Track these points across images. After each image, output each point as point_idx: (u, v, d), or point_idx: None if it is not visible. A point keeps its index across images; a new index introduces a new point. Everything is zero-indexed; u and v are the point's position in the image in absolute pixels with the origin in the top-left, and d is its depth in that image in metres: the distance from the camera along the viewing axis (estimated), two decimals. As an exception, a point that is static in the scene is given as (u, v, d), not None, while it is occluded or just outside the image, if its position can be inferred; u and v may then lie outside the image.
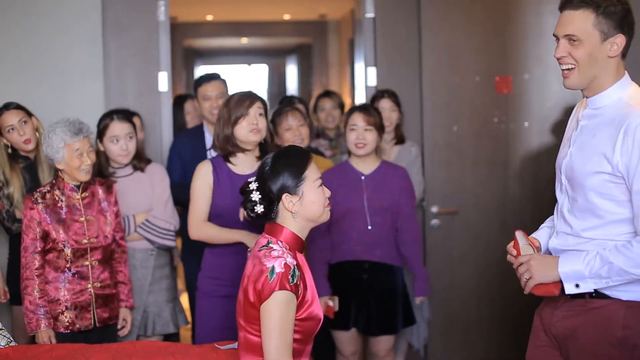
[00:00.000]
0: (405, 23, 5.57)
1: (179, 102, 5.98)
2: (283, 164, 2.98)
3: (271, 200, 2.98)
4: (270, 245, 2.94)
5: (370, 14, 5.59)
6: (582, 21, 2.79)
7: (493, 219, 5.56)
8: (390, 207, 4.45)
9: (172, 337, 4.73)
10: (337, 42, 12.20)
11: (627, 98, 2.82)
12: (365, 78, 5.67)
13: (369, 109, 4.57)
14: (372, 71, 5.62)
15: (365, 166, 4.50)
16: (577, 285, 2.80)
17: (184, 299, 5.25)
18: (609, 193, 2.77)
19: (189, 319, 4.95)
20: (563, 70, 2.85)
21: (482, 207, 5.56)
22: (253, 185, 3.03)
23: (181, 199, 4.82)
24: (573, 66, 2.81)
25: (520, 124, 5.54)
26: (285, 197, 2.95)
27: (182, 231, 5.09)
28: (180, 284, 5.88)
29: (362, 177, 4.47)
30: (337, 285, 4.45)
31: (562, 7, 2.87)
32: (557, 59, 2.86)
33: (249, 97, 4.02)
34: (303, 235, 3.01)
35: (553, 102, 5.48)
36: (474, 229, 5.56)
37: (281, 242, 2.95)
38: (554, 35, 2.87)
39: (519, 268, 2.93)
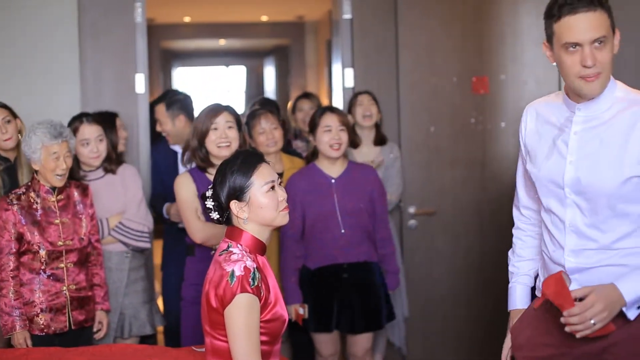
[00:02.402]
0: (383, 24, 5.58)
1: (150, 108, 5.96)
2: (229, 170, 2.96)
3: (222, 207, 2.98)
4: (230, 249, 2.93)
5: (347, 15, 5.59)
6: (604, 21, 2.60)
7: (471, 219, 5.58)
8: (364, 208, 4.45)
9: (149, 340, 4.71)
10: (314, 44, 12.20)
11: (622, 95, 2.72)
12: (342, 79, 5.67)
13: (338, 109, 4.58)
14: (350, 72, 5.62)
15: (334, 169, 4.48)
16: (638, 307, 2.63)
17: (160, 302, 5.24)
18: None
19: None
20: (587, 77, 2.63)
21: (460, 208, 5.57)
22: (209, 192, 3.02)
23: (159, 211, 4.84)
24: (599, 72, 2.62)
25: (497, 124, 5.57)
26: (233, 204, 2.94)
27: (163, 237, 5.10)
28: (158, 285, 5.86)
29: (332, 181, 4.46)
30: (319, 289, 4.45)
31: (571, 11, 2.61)
32: (585, 67, 2.61)
33: (215, 109, 4.03)
34: (263, 238, 2.99)
35: (529, 102, 5.46)
36: (451, 229, 5.57)
37: (241, 245, 2.94)
38: (571, 43, 2.61)
39: (586, 314, 2.59)
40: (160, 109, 5.33)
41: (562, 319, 2.61)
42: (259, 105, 5.54)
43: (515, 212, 3.14)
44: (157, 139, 5.57)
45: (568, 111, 2.79)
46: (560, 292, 2.62)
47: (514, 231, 3.13)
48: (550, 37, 2.71)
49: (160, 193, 4.93)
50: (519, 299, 3.05)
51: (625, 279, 2.61)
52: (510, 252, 3.14)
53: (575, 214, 2.72)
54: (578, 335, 2.61)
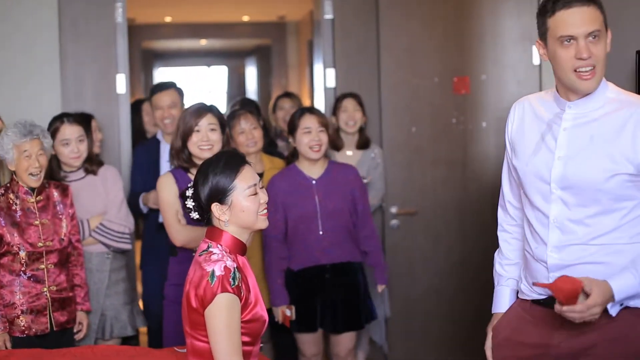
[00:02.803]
0: (364, 25, 5.59)
1: (136, 107, 5.93)
2: (212, 171, 2.94)
3: (203, 208, 2.97)
4: (210, 249, 2.92)
5: (329, 16, 5.59)
6: (597, 16, 2.64)
7: (452, 218, 5.59)
8: (346, 208, 4.45)
9: (131, 341, 4.70)
10: (296, 44, 12.20)
11: (614, 95, 2.73)
12: (324, 79, 5.67)
13: (318, 110, 4.58)
14: (331, 72, 5.62)
15: (315, 170, 4.47)
16: (621, 304, 2.65)
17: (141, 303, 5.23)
18: (629, 194, 2.66)
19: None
20: (583, 72, 2.65)
21: (441, 207, 5.59)
22: (189, 192, 3.01)
23: (137, 208, 4.82)
24: (592, 67, 2.64)
25: (478, 124, 5.58)
26: (215, 206, 2.93)
27: (142, 237, 5.08)
28: (140, 287, 5.84)
29: (313, 182, 4.46)
30: (302, 290, 4.44)
31: (566, 5, 2.65)
32: (580, 59, 2.63)
33: (199, 111, 4.01)
34: (244, 238, 2.98)
35: (509, 102, 5.48)
36: (433, 229, 5.58)
37: (221, 245, 2.93)
38: (566, 36, 2.65)
39: (585, 314, 2.59)
40: (148, 107, 5.32)
41: (557, 309, 2.60)
42: (240, 105, 5.53)
43: (500, 213, 3.13)
44: (142, 138, 5.55)
45: (558, 108, 2.80)
46: (570, 297, 2.58)
47: (499, 233, 3.12)
48: (544, 34, 2.74)
49: (139, 192, 4.89)
50: (505, 303, 3.04)
51: (617, 278, 2.61)
52: (496, 254, 3.13)
53: (560, 209, 2.72)
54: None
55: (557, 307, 2.59)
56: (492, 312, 3.09)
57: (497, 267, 3.11)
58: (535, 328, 2.82)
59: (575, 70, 2.66)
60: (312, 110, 4.54)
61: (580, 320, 2.59)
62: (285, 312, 4.37)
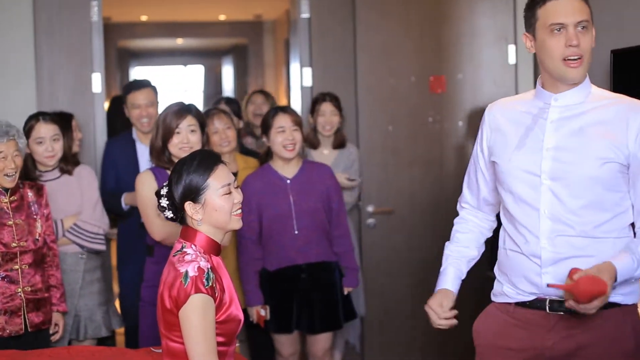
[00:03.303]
0: (341, 24, 5.59)
1: (117, 104, 5.89)
2: (186, 170, 2.93)
3: (177, 207, 2.96)
4: (184, 249, 2.91)
5: (305, 15, 5.59)
6: (586, 9, 2.71)
7: (428, 217, 5.61)
8: (321, 207, 4.45)
9: (107, 341, 4.68)
10: (272, 43, 12.18)
11: (598, 92, 2.79)
12: (300, 79, 5.67)
13: (291, 109, 4.57)
14: (308, 72, 5.62)
15: (289, 169, 4.46)
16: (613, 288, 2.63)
17: (118, 304, 5.20)
18: (618, 184, 2.70)
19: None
20: (571, 61, 2.69)
21: (418, 206, 5.60)
22: (164, 191, 2.99)
23: (115, 208, 4.78)
24: (580, 57, 2.69)
25: (455, 123, 5.60)
26: (188, 205, 2.92)
27: (118, 237, 5.05)
28: (116, 287, 5.81)
29: (288, 182, 4.45)
30: (278, 290, 4.44)
31: None
32: (571, 47, 2.67)
33: (179, 113, 4.00)
34: (218, 238, 2.97)
35: (486, 101, 5.51)
36: (409, 227, 5.60)
37: (195, 246, 2.92)
38: (556, 24, 2.68)
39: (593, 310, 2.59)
40: None
41: (570, 305, 2.58)
42: (225, 104, 5.52)
43: (460, 207, 3.18)
44: (116, 134, 5.51)
45: (542, 102, 2.81)
46: (594, 298, 2.54)
47: (455, 220, 3.14)
48: (532, 25, 2.77)
49: (112, 191, 4.85)
50: (450, 281, 3.04)
51: (618, 258, 2.63)
52: (447, 243, 3.15)
53: (551, 200, 2.73)
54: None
55: (571, 303, 2.58)
56: (436, 290, 3.09)
57: (445, 250, 3.14)
58: (524, 331, 2.82)
59: (564, 60, 2.70)
60: (285, 109, 4.53)
61: (594, 311, 2.58)
62: (260, 312, 4.36)
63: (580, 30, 2.69)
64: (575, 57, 2.68)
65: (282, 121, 4.40)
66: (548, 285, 2.68)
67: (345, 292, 4.57)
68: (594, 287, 2.50)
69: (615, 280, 2.59)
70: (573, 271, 2.58)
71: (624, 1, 4.20)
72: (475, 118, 5.55)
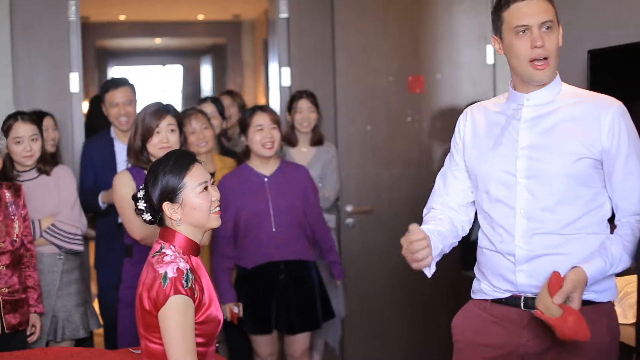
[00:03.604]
0: (319, 23, 5.60)
1: (97, 104, 5.85)
2: (161, 171, 2.92)
3: (155, 208, 2.95)
4: (163, 250, 2.90)
5: (284, 15, 5.59)
6: (550, 9, 2.74)
7: (407, 217, 5.57)
8: (299, 205, 4.46)
9: (85, 342, 4.66)
10: (251, 43, 12.17)
11: (570, 90, 2.81)
12: (279, 78, 5.67)
13: (269, 107, 4.59)
14: (286, 71, 5.63)
15: (267, 168, 4.47)
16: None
17: (97, 304, 5.18)
18: (592, 180, 2.72)
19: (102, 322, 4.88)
20: (538, 62, 2.72)
21: (397, 206, 5.61)
22: (140, 193, 2.99)
23: (93, 207, 4.76)
24: (546, 58, 2.72)
25: (433, 123, 5.61)
26: (166, 205, 2.91)
27: (96, 237, 5.03)
28: (94, 288, 5.79)
29: (265, 179, 4.46)
30: (256, 290, 4.44)
31: None
32: (536, 48, 2.70)
33: (158, 113, 3.99)
34: (197, 239, 2.97)
35: (464, 100, 5.56)
36: (388, 227, 5.60)
37: (174, 246, 2.92)
38: (520, 26, 2.71)
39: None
40: None
41: (538, 314, 2.61)
42: (212, 102, 5.50)
43: (427, 210, 3.15)
44: (94, 132, 5.48)
45: (515, 104, 2.84)
46: (571, 339, 2.57)
47: (425, 211, 3.11)
48: (499, 28, 2.81)
49: (90, 190, 4.83)
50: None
51: (589, 263, 2.64)
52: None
53: (527, 198, 2.75)
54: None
55: (539, 314, 2.60)
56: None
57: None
58: (500, 328, 2.83)
59: (530, 61, 2.73)
60: (263, 108, 4.55)
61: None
62: (233, 309, 4.36)
63: (545, 31, 2.72)
64: (541, 58, 2.72)
65: (260, 119, 4.41)
66: (535, 315, 2.67)
67: (338, 284, 4.73)
68: (577, 333, 2.54)
69: (586, 284, 2.63)
70: (554, 282, 2.59)
71: (601, 1, 4.22)
72: (454, 118, 5.55)
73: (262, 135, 4.39)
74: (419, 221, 5.53)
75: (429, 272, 2.87)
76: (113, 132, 5.01)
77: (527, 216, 2.75)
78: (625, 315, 3.30)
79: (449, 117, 5.58)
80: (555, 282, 2.59)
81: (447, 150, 3.13)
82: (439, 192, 3.09)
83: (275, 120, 4.44)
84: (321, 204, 5.06)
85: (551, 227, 2.73)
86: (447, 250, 2.95)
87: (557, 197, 2.72)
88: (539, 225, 2.74)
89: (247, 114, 4.50)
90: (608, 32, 4.11)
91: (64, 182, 4.49)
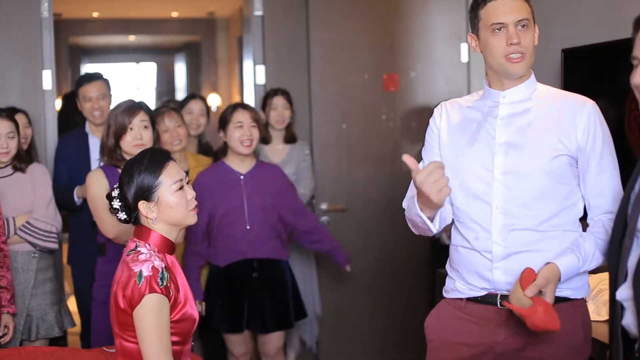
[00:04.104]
0: (294, 21, 5.59)
1: (69, 102, 5.81)
2: (136, 169, 2.90)
3: (130, 207, 2.94)
4: (138, 249, 2.89)
5: (258, 12, 5.58)
6: (526, 7, 2.77)
7: (382, 215, 5.62)
8: (274, 204, 4.45)
9: (59, 341, 4.62)
10: (225, 40, 12.15)
11: (545, 88, 2.85)
12: (254, 76, 5.66)
13: (250, 105, 4.58)
14: (261, 69, 5.62)
15: (243, 166, 4.47)
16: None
17: (72, 302, 5.14)
18: (567, 177, 2.74)
19: (77, 321, 4.86)
20: (514, 57, 2.74)
21: (372, 204, 5.62)
22: (115, 192, 2.97)
23: (67, 203, 4.73)
24: (522, 54, 2.74)
25: (408, 121, 5.62)
26: (142, 204, 2.90)
27: (69, 235, 5.00)
28: (68, 286, 5.75)
29: (241, 177, 4.45)
30: (229, 288, 4.43)
31: None
32: (512, 45, 2.72)
33: (131, 109, 3.97)
34: (172, 237, 2.96)
35: (438, 99, 5.56)
36: (363, 225, 5.61)
37: (149, 245, 2.90)
38: (497, 24, 2.73)
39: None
40: None
41: (508, 305, 2.62)
42: (200, 100, 5.49)
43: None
44: (68, 129, 5.45)
45: (491, 101, 2.86)
46: (542, 330, 2.59)
47: (404, 202, 3.06)
48: (476, 26, 2.82)
49: (64, 186, 4.80)
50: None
51: (562, 259, 2.66)
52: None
53: (503, 194, 2.76)
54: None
55: (507, 305, 2.61)
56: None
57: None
58: (476, 326, 2.84)
59: (506, 57, 2.75)
60: (244, 105, 4.54)
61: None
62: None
63: (520, 29, 2.74)
64: (517, 55, 2.74)
65: (240, 117, 4.40)
66: (502, 305, 2.69)
67: (348, 269, 4.81)
68: (548, 324, 2.54)
69: (559, 280, 2.65)
70: (526, 276, 2.60)
71: (575, 0, 4.25)
72: (429, 116, 5.57)
73: (241, 133, 4.39)
74: (394, 219, 5.57)
75: (435, 227, 2.77)
76: (88, 127, 4.98)
77: (504, 212, 2.76)
78: (598, 312, 3.32)
79: (424, 115, 5.59)
80: (527, 276, 2.60)
81: (421, 148, 3.12)
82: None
83: (255, 118, 4.44)
84: (298, 201, 5.08)
85: (528, 223, 2.74)
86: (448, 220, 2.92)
87: (534, 194, 2.74)
88: (516, 221, 2.75)
89: (227, 110, 4.50)
90: (582, 31, 4.14)
91: (39, 179, 4.45)
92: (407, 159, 2.57)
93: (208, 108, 5.48)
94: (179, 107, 5.09)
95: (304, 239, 4.65)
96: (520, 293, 2.59)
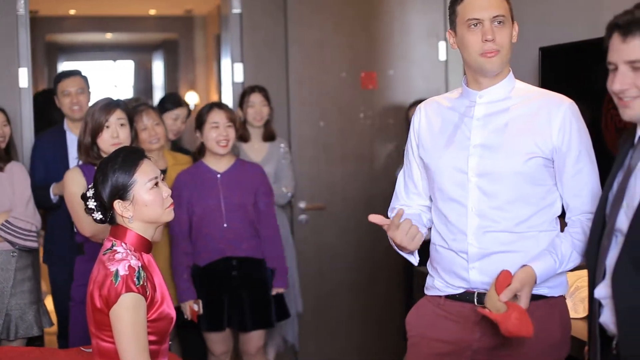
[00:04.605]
0: (272, 19, 5.59)
1: (48, 96, 5.76)
2: (110, 168, 2.89)
3: (105, 207, 2.92)
4: (114, 248, 2.87)
5: (236, 10, 5.57)
6: (503, 4, 2.76)
7: (360, 213, 5.62)
8: (250, 203, 4.44)
9: (36, 341, 4.60)
10: (203, 38, 12.12)
11: (523, 86, 2.84)
12: (232, 74, 5.65)
13: (226, 105, 4.57)
14: (239, 67, 5.61)
15: (221, 164, 4.45)
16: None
17: (49, 302, 5.11)
18: (543, 178, 2.74)
19: (54, 321, 4.83)
20: (488, 52, 2.73)
21: (350, 202, 5.62)
22: (90, 192, 2.95)
23: (44, 201, 4.70)
24: (498, 50, 2.74)
25: (385, 119, 5.63)
26: (117, 203, 2.88)
27: (46, 233, 4.96)
28: (45, 285, 5.72)
29: (218, 176, 4.44)
30: (209, 287, 4.41)
31: None
32: (487, 41, 2.72)
33: (108, 107, 3.96)
34: (149, 235, 2.95)
35: (416, 97, 5.58)
36: (342, 223, 5.61)
37: (125, 244, 2.89)
38: (472, 19, 2.72)
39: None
40: None
41: (482, 311, 2.63)
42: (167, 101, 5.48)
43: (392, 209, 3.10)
44: (46, 127, 5.41)
45: (468, 101, 2.86)
46: (515, 336, 2.59)
47: (389, 213, 3.08)
48: (453, 22, 2.82)
49: (41, 184, 4.76)
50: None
51: (538, 261, 2.66)
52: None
53: (479, 196, 2.76)
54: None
55: (483, 312, 2.62)
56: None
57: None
58: (454, 324, 2.85)
59: (481, 53, 2.74)
60: (220, 105, 4.52)
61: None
62: (193, 307, 4.34)
63: (496, 25, 2.73)
64: (492, 51, 2.74)
65: (216, 117, 4.39)
66: (478, 311, 2.70)
67: (274, 293, 4.51)
68: (521, 330, 2.55)
69: (535, 283, 2.65)
70: (502, 280, 2.61)
71: (552, -1, 4.27)
72: (407, 114, 5.59)
73: (217, 133, 4.38)
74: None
75: (415, 259, 2.92)
76: (66, 124, 4.96)
77: (479, 214, 2.76)
78: (575, 310, 3.33)
79: (402, 113, 5.61)
80: (503, 279, 2.60)
81: (399, 146, 3.13)
82: (400, 196, 3.08)
83: (231, 118, 4.43)
84: (279, 200, 5.07)
85: (503, 225, 2.75)
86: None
87: (508, 196, 2.74)
88: (491, 223, 2.75)
89: (203, 110, 4.48)
90: (559, 29, 4.15)
91: (18, 178, 4.43)
92: (373, 219, 2.75)
93: (189, 112, 5.47)
94: (161, 110, 5.08)
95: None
96: (495, 297, 2.59)
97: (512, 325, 2.54)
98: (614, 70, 2.28)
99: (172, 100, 5.56)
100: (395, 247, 2.86)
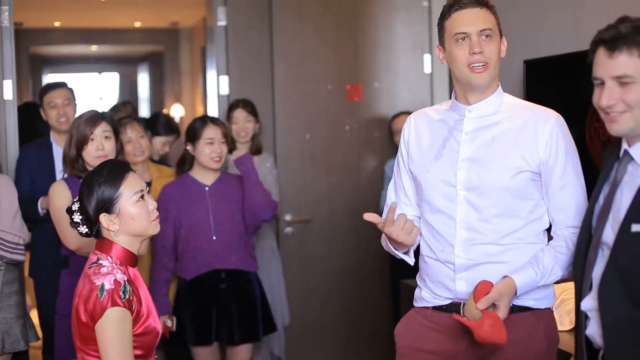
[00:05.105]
0: (258, 31, 5.59)
1: (33, 109, 5.73)
2: (96, 182, 2.88)
3: (91, 220, 2.91)
4: (100, 261, 2.86)
5: (222, 22, 5.57)
6: (490, 18, 2.78)
7: (347, 225, 5.63)
8: (238, 214, 4.44)
9: (22, 356, 4.56)
10: (189, 50, 12.12)
11: (511, 100, 2.85)
12: (217, 86, 5.65)
13: (220, 120, 4.56)
14: (225, 79, 5.60)
15: (208, 177, 4.46)
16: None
17: (34, 315, 5.08)
18: (530, 192, 2.75)
19: (40, 334, 4.80)
20: (476, 67, 2.74)
21: (336, 214, 5.61)
22: (75, 206, 2.94)
23: (30, 214, 4.67)
24: (484, 64, 2.74)
25: (371, 131, 5.63)
26: (103, 217, 2.87)
27: (32, 247, 4.93)
28: (30, 299, 5.68)
29: (206, 188, 4.43)
30: (197, 300, 4.40)
31: (459, 8, 2.77)
32: (474, 54, 2.72)
33: (93, 119, 3.95)
34: (134, 249, 2.93)
35: (402, 109, 5.59)
36: (328, 235, 5.61)
37: (111, 257, 2.87)
38: (460, 33, 2.73)
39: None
40: None
41: (457, 317, 2.63)
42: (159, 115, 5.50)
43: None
44: (33, 138, 5.39)
45: (457, 115, 2.87)
46: (488, 342, 2.60)
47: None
48: (442, 37, 2.84)
49: (27, 196, 4.74)
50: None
51: (519, 273, 2.68)
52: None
53: (467, 210, 2.78)
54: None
55: (459, 319, 2.62)
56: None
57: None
58: (441, 335, 2.85)
59: (469, 66, 2.75)
60: (214, 120, 4.49)
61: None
62: (167, 322, 4.31)
63: (484, 39, 2.75)
64: (480, 64, 2.75)
65: (211, 133, 4.38)
66: (453, 317, 2.70)
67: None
68: (494, 337, 2.56)
69: (515, 294, 2.67)
70: (480, 289, 2.63)
71: (537, 12, 4.28)
72: (389, 125, 5.60)
73: (211, 149, 4.37)
74: (358, 230, 5.59)
75: (411, 259, 2.94)
76: (52, 136, 4.94)
77: (467, 227, 2.78)
78: (561, 322, 3.34)
79: (387, 126, 5.61)
80: (481, 288, 2.63)
81: (385, 159, 3.13)
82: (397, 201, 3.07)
83: (225, 134, 4.44)
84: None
85: (490, 237, 2.76)
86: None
87: (496, 210, 2.75)
88: (479, 236, 2.77)
89: (197, 124, 4.46)
90: (543, 43, 4.17)
91: (4, 191, 4.39)
92: (368, 217, 2.76)
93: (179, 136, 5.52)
94: (152, 131, 5.09)
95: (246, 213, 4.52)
96: (472, 305, 2.62)
97: (485, 332, 2.56)
98: (600, 85, 2.28)
99: (166, 126, 5.57)
100: (391, 247, 2.88)
